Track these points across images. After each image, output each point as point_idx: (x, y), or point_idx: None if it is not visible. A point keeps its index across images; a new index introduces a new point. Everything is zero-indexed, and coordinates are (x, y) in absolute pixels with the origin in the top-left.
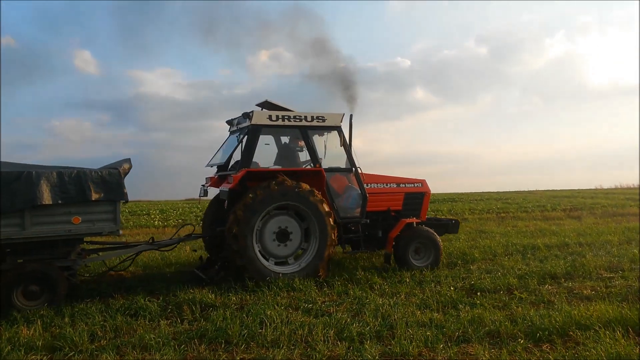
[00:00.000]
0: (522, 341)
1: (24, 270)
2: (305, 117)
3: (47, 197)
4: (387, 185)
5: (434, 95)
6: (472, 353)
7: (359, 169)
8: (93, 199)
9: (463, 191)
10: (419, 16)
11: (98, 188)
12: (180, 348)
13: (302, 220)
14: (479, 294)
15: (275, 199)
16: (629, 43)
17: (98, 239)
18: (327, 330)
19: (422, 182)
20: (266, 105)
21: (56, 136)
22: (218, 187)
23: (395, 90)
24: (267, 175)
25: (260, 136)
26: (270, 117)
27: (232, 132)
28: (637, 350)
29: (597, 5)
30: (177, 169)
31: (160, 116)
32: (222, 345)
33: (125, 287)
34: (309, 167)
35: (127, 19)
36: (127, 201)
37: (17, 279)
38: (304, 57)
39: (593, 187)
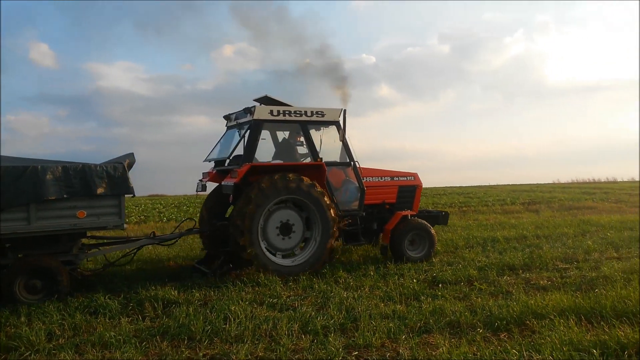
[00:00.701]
0: (481, 330)
1: (26, 264)
2: (305, 112)
3: (53, 192)
4: (381, 178)
5: (398, 92)
6: (433, 343)
7: (357, 163)
8: (98, 193)
9: (427, 186)
10: (383, 13)
11: (103, 182)
12: (141, 345)
13: (304, 214)
14: (440, 285)
15: (280, 192)
16: (586, 41)
17: (99, 233)
18: (291, 324)
19: (415, 176)
20: (265, 100)
21: (12, 132)
22: (217, 182)
23: (360, 87)
24: (270, 169)
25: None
26: (271, 112)
27: (229, 127)
28: (588, 337)
29: (554, 5)
30: (139, 164)
31: (121, 111)
32: (185, 342)
33: (85, 285)
34: (308, 161)
35: (80, 12)
36: (134, 195)
37: (19, 273)
38: (268, 52)
39: (551, 182)
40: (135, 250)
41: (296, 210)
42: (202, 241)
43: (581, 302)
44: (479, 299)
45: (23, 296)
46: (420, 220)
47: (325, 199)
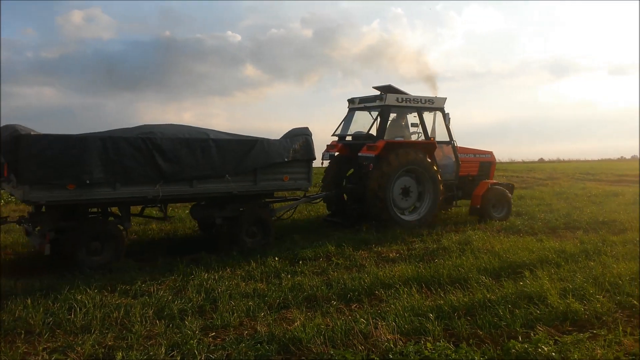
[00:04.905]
0: (335, 303)
1: (252, 215)
2: (421, 99)
3: (277, 158)
4: (467, 155)
5: (264, 73)
6: (290, 317)
7: (455, 142)
8: (306, 159)
9: None
10: None
11: (304, 151)
12: None
13: (417, 180)
14: (300, 262)
15: (406, 163)
16: (433, 35)
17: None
18: (145, 310)
19: (490, 154)
20: (387, 88)
21: None
22: (342, 153)
23: (225, 65)
24: (397, 146)
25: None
26: (397, 99)
27: (352, 109)
28: (427, 302)
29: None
30: None
31: None
32: (22, 336)
33: None
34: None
35: None
36: (314, 159)
37: (246, 222)
38: (125, 21)
39: None
40: (295, 207)
41: (410, 176)
42: (326, 199)
43: (423, 272)
44: (335, 273)
45: (245, 240)
46: (501, 187)
47: (435, 167)
